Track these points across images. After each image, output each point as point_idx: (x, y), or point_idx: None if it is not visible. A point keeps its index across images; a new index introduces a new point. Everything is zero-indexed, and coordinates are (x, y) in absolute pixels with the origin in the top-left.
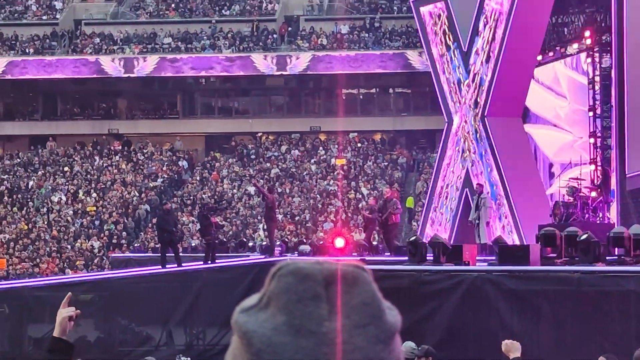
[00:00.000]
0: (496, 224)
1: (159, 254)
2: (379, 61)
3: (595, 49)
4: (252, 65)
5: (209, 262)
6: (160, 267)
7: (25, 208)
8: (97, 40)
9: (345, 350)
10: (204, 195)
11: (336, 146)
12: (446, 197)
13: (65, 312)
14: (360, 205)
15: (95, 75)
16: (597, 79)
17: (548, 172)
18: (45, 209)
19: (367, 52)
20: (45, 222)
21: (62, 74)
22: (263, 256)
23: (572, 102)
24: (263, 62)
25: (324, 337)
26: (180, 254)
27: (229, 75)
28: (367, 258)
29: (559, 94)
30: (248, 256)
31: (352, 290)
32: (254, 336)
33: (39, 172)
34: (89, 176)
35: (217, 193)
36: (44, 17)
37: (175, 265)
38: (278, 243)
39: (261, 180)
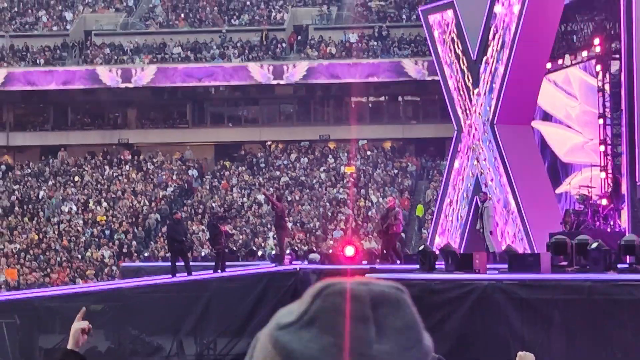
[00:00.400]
0: (507, 232)
1: (169, 263)
2: (372, 70)
3: (604, 56)
4: (254, 74)
5: (219, 271)
6: (170, 276)
7: (35, 218)
8: (107, 50)
9: None
10: (213, 204)
11: (346, 154)
12: (456, 205)
13: (79, 325)
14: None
15: (96, 86)
16: (607, 86)
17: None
18: (55, 219)
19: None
20: (56, 232)
21: (72, 85)
22: (273, 265)
23: (582, 103)
24: (262, 72)
25: None
26: (191, 263)
27: (238, 84)
28: (377, 267)
29: (569, 93)
30: (258, 265)
31: (397, 313)
32: (301, 357)
33: (50, 182)
34: (99, 186)
35: (226, 202)
36: (55, 28)
37: (186, 274)
38: (288, 251)
39: (270, 189)
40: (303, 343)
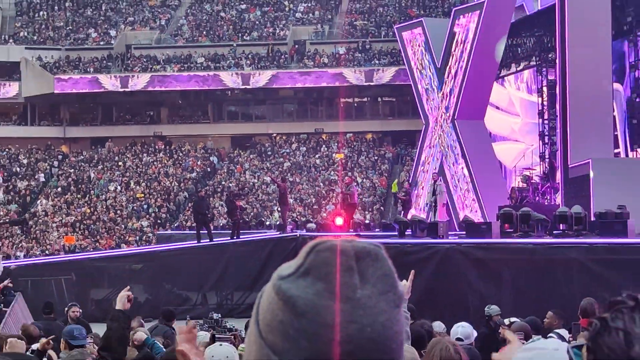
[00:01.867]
0: (464, 205)
1: (195, 232)
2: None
3: (543, 65)
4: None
5: (235, 237)
6: (196, 242)
7: (87, 195)
8: (144, 60)
9: (375, 313)
10: (230, 184)
11: (336, 144)
12: (424, 184)
13: (125, 292)
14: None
15: (136, 89)
16: (545, 89)
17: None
18: (103, 196)
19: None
20: (104, 207)
21: (116, 88)
22: (278, 232)
23: (524, 117)
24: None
25: (358, 302)
26: (212, 232)
27: (250, 88)
28: (361, 234)
29: (513, 113)
30: (266, 233)
31: (376, 264)
32: (298, 300)
33: (99, 167)
34: (138, 169)
35: (240, 182)
36: (102, 43)
37: (208, 240)
38: (290, 222)
39: (275, 172)
40: (300, 289)
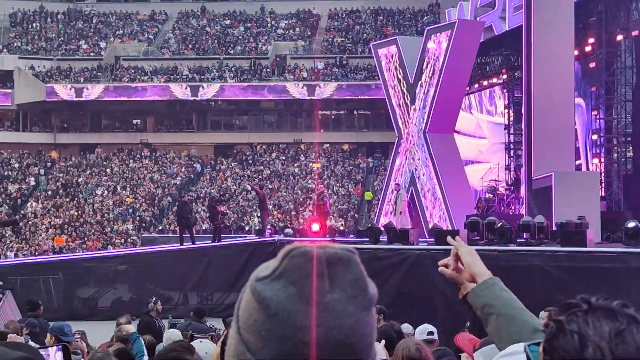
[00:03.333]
0: (434, 214)
1: (178, 235)
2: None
3: (509, 82)
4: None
5: (216, 241)
6: (179, 244)
7: (76, 199)
8: (132, 71)
9: (342, 316)
10: (212, 190)
11: (313, 154)
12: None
13: None
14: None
15: (123, 98)
16: (511, 105)
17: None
18: (91, 200)
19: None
20: (91, 210)
21: (105, 97)
22: (257, 237)
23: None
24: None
25: (327, 306)
26: (194, 235)
27: (233, 99)
28: (336, 239)
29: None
30: (245, 237)
31: (347, 269)
32: (270, 302)
33: (87, 172)
34: (125, 175)
35: (222, 189)
36: (92, 54)
37: (190, 243)
38: (268, 227)
39: (255, 180)
40: (274, 291)
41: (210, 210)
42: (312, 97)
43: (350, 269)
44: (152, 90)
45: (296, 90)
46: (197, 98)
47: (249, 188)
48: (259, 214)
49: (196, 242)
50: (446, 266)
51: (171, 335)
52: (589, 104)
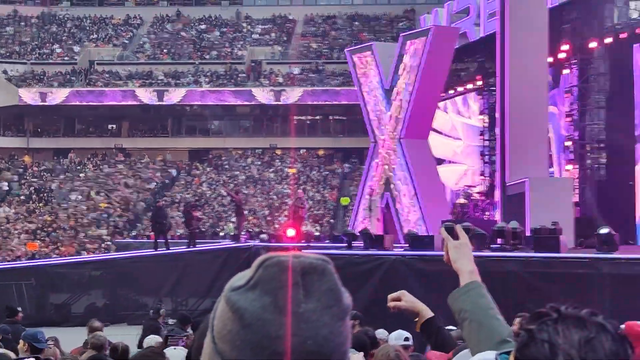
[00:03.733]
0: (409, 219)
1: (153, 240)
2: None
3: (484, 89)
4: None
5: (191, 246)
6: (153, 250)
7: (49, 204)
8: (107, 76)
9: (317, 326)
10: (187, 195)
11: (289, 159)
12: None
13: None
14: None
15: (98, 103)
16: (486, 111)
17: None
18: (64, 205)
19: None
20: (65, 215)
21: (79, 102)
22: (232, 242)
23: (465, 140)
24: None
25: (302, 316)
26: (169, 241)
27: (208, 104)
28: (312, 245)
29: (455, 137)
30: (221, 242)
31: (322, 279)
32: (245, 312)
33: (61, 177)
34: (99, 180)
35: (197, 194)
36: (66, 58)
37: (165, 249)
38: (244, 232)
39: (231, 185)
40: (248, 302)
41: (186, 215)
42: (279, 102)
43: (324, 278)
44: (117, 95)
45: (263, 96)
46: (162, 103)
47: (225, 193)
48: (234, 220)
49: (171, 248)
50: (397, 300)
51: (152, 340)
52: (563, 111)
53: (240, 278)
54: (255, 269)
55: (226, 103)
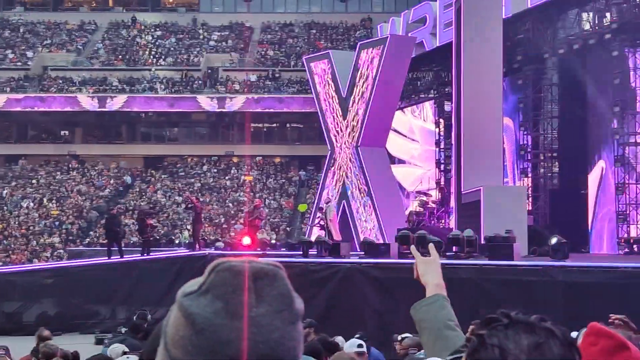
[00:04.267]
0: (365, 227)
1: (106, 248)
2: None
3: (440, 98)
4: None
5: (145, 254)
6: (107, 258)
7: (0, 211)
8: (60, 82)
9: (268, 330)
10: (142, 203)
11: (245, 166)
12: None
13: None
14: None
15: (51, 109)
16: (442, 120)
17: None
18: (16, 212)
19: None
20: (17, 223)
21: (32, 108)
22: (187, 250)
23: (422, 144)
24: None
25: (253, 320)
26: (123, 248)
27: (163, 111)
28: (268, 252)
29: (413, 139)
30: (176, 250)
31: (273, 284)
32: (197, 317)
33: (12, 184)
34: (51, 187)
35: (152, 201)
36: (19, 64)
37: (119, 257)
38: (199, 239)
39: (187, 192)
40: (200, 307)
41: (140, 223)
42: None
43: (276, 283)
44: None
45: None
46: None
47: (184, 200)
48: (189, 227)
49: (124, 256)
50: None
51: (113, 350)
52: (517, 120)
53: (193, 284)
54: (208, 274)
55: (169, 110)
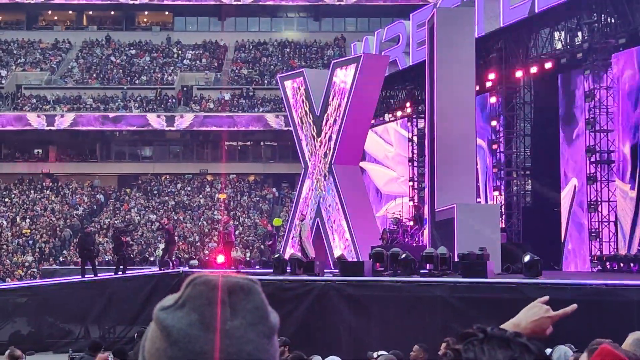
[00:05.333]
0: (339, 245)
1: (80, 267)
2: (247, 121)
3: (413, 116)
4: (151, 121)
5: (120, 273)
6: (80, 276)
7: None
8: (34, 101)
9: (242, 343)
10: (116, 221)
11: (219, 185)
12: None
13: None
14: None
15: (25, 127)
16: (415, 137)
17: (377, 196)
18: None
19: (241, 114)
20: None
21: (5, 127)
22: (161, 269)
23: (396, 148)
24: (157, 120)
25: (227, 333)
26: (97, 267)
27: (137, 129)
28: (242, 270)
29: (387, 141)
30: (149, 269)
31: (248, 297)
32: (172, 330)
33: None
34: (25, 206)
35: (126, 219)
36: None
37: (92, 275)
38: (173, 258)
39: (161, 210)
40: (176, 319)
41: (115, 241)
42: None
43: (250, 297)
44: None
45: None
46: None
47: (155, 219)
48: (162, 247)
49: (98, 274)
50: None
51: None
52: (489, 138)
53: (170, 299)
54: (184, 288)
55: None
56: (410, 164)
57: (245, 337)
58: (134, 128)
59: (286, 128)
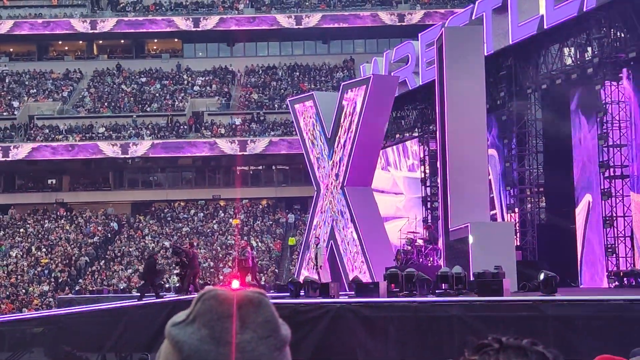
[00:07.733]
0: (354, 266)
1: (96, 295)
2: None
3: (425, 136)
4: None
5: (143, 299)
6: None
7: None
8: (47, 130)
9: (252, 356)
10: (130, 249)
11: (232, 210)
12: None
13: None
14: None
15: (38, 158)
16: (427, 158)
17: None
18: (5, 262)
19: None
20: (5, 272)
21: (18, 157)
22: (177, 295)
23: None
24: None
25: (237, 346)
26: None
27: (149, 156)
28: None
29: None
30: (166, 295)
31: (258, 311)
32: (184, 345)
33: (0, 233)
34: (40, 235)
35: (140, 247)
36: (5, 114)
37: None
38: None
39: (175, 237)
40: (187, 335)
41: (148, 266)
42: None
43: (260, 310)
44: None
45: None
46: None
47: (169, 245)
48: (177, 272)
49: (112, 302)
50: None
51: None
52: (501, 155)
53: (181, 315)
54: (195, 304)
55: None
56: (422, 184)
57: (255, 351)
58: (147, 155)
59: (297, 151)
